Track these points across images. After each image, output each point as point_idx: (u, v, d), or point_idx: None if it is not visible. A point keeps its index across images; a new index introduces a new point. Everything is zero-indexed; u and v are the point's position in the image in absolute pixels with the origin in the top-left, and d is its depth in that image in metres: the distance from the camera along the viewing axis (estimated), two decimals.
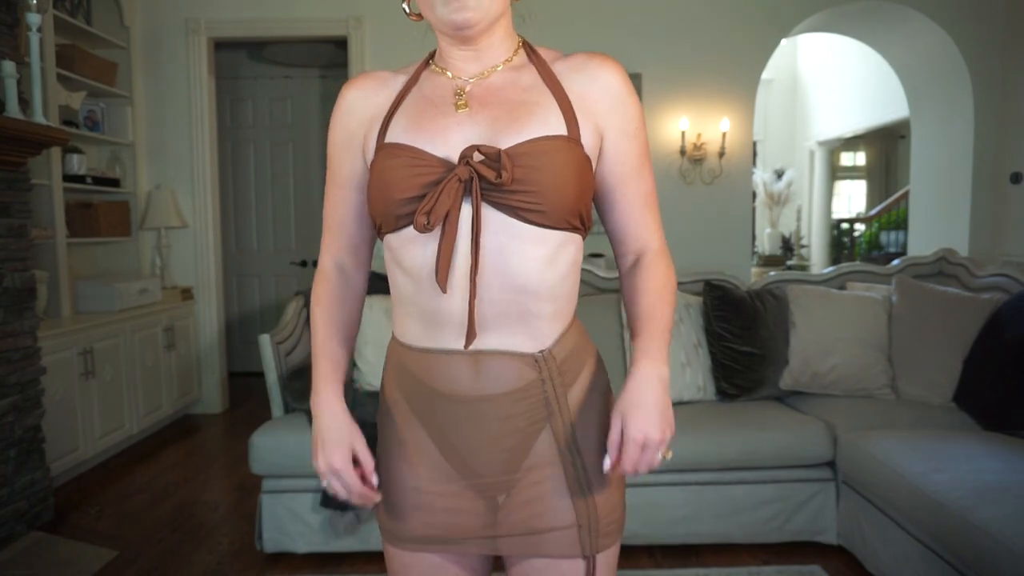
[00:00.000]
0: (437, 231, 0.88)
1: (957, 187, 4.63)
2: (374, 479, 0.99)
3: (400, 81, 1.00)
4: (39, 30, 2.65)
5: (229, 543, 2.74)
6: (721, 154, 4.51)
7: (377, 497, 1.00)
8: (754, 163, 7.49)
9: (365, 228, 1.05)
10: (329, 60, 5.44)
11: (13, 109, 2.64)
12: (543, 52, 1.00)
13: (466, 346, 0.91)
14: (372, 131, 0.98)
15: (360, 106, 1.00)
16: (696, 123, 4.52)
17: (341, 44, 4.81)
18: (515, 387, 0.94)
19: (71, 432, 3.34)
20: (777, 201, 8.21)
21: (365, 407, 2.61)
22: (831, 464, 2.57)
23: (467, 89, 0.95)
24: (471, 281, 0.88)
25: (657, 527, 2.55)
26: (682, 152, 4.53)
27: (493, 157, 0.86)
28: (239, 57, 5.54)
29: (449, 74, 0.98)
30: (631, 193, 1.00)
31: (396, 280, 0.97)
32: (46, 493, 2.94)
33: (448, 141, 0.91)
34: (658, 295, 0.98)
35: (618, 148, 0.97)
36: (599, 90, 0.95)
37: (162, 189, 4.44)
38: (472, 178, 0.87)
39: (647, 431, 0.89)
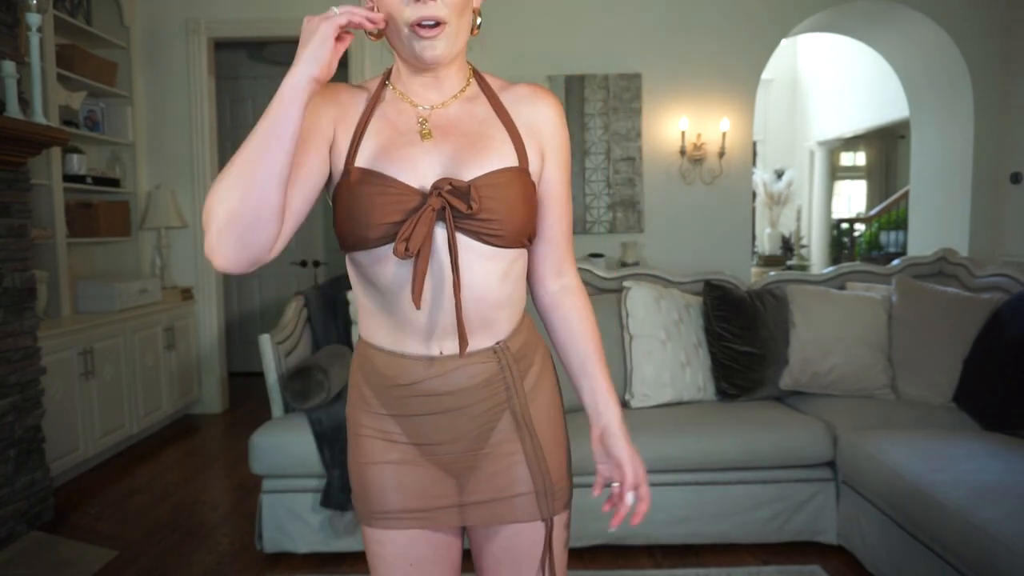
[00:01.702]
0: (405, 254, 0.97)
1: (957, 187, 4.63)
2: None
3: (361, 99, 1.06)
4: (39, 30, 2.65)
5: (229, 543, 2.74)
6: (721, 154, 4.51)
7: (381, 18, 0.96)
8: (754, 163, 7.50)
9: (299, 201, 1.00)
10: None
11: (13, 109, 2.64)
12: (490, 80, 1.10)
13: (461, 354, 1.02)
14: (341, 141, 1.03)
15: (335, 109, 1.04)
16: (696, 123, 4.52)
17: None
18: (480, 381, 1.06)
19: (71, 432, 3.34)
20: (777, 201, 8.21)
21: None
22: (831, 464, 2.57)
23: (429, 118, 1.04)
24: (456, 297, 0.98)
25: (657, 527, 2.55)
26: (682, 152, 4.53)
27: (463, 190, 0.96)
28: (239, 57, 5.54)
29: (412, 102, 1.05)
30: (558, 214, 1.12)
31: (364, 292, 1.06)
32: (46, 493, 2.94)
33: (416, 169, 1.00)
34: (595, 331, 1.15)
35: (551, 174, 1.09)
36: (542, 119, 1.08)
37: (162, 189, 4.44)
38: (444, 207, 0.96)
39: (644, 473, 1.14)
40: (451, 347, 1.04)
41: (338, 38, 0.93)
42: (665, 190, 4.58)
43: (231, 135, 5.60)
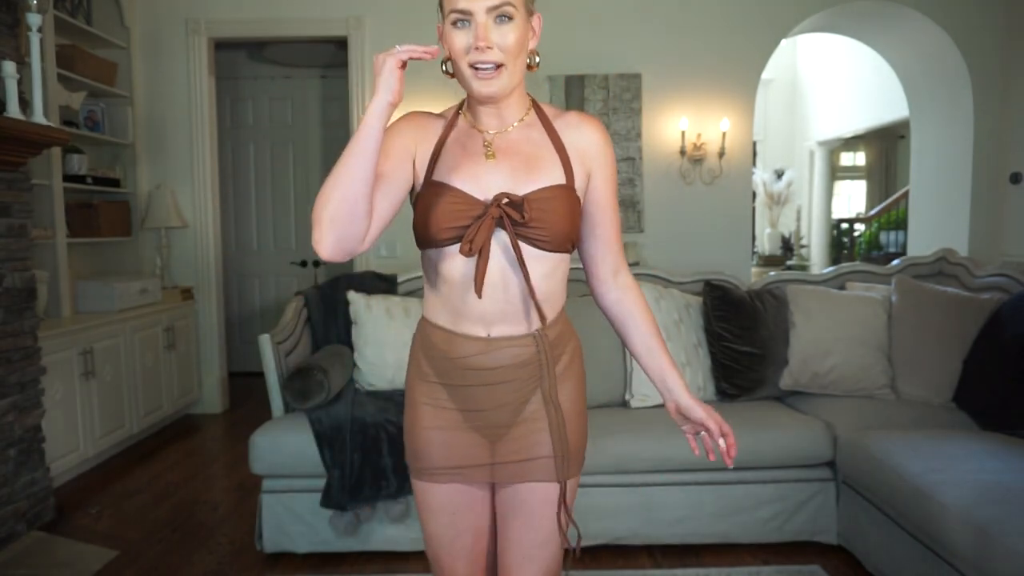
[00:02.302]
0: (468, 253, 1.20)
1: (957, 187, 4.63)
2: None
3: (439, 125, 1.30)
4: (39, 30, 2.65)
5: (229, 543, 2.74)
6: (721, 154, 4.51)
7: (436, 50, 1.16)
8: (754, 163, 7.49)
9: (381, 203, 1.21)
10: (329, 60, 5.45)
11: (13, 109, 2.64)
12: (546, 109, 1.31)
13: (543, 327, 1.26)
14: (422, 158, 1.27)
15: (413, 132, 1.28)
16: (696, 123, 4.52)
17: (341, 44, 4.81)
18: (520, 360, 1.27)
19: (71, 432, 3.34)
20: (777, 201, 8.20)
21: (365, 407, 2.61)
22: (831, 464, 2.57)
23: (493, 142, 1.26)
24: (528, 285, 1.22)
25: (657, 527, 2.56)
26: (682, 152, 4.53)
27: (518, 203, 1.19)
28: (239, 57, 5.54)
29: (479, 128, 1.28)
30: (608, 220, 1.32)
31: (432, 281, 1.30)
32: (46, 493, 2.94)
33: (480, 184, 1.23)
34: (654, 320, 1.35)
35: (598, 186, 1.30)
36: (588, 143, 1.29)
37: (162, 189, 4.44)
38: (502, 216, 1.19)
39: (722, 420, 1.30)
40: (499, 331, 1.26)
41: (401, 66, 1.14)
42: (665, 190, 4.58)
43: (231, 135, 5.61)
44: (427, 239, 1.23)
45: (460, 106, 1.32)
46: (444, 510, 1.34)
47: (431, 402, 1.31)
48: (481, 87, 1.19)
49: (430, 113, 1.32)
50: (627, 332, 1.35)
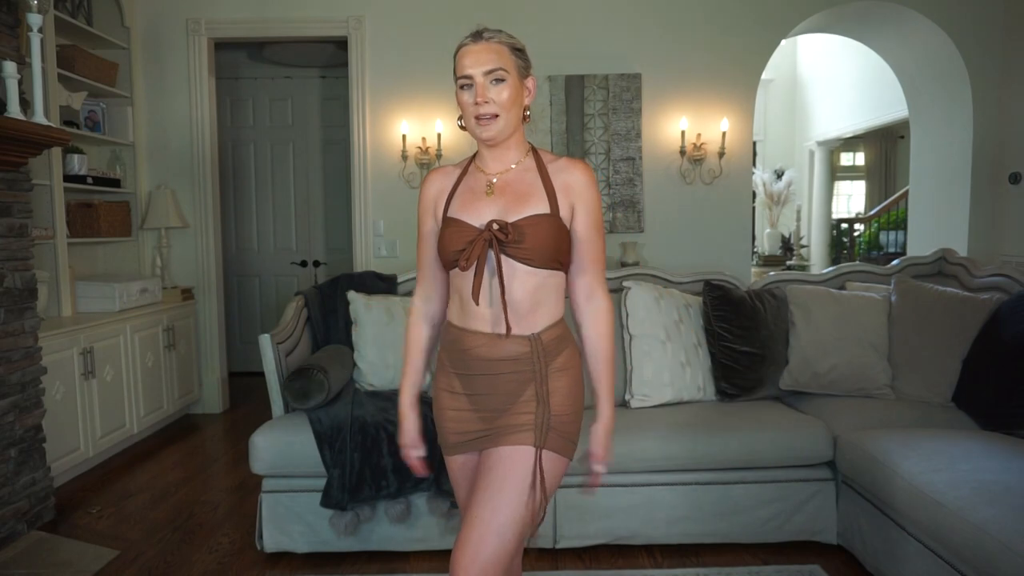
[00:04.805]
0: (472, 269, 1.47)
1: (956, 187, 4.63)
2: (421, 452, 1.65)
3: (456, 174, 1.62)
4: (40, 31, 2.65)
5: (229, 543, 2.74)
6: (721, 154, 4.51)
7: (421, 470, 1.66)
8: (754, 163, 7.49)
9: (438, 265, 1.63)
10: (329, 60, 5.45)
11: (14, 109, 2.64)
12: (543, 155, 1.58)
13: (506, 333, 1.49)
14: (440, 204, 1.60)
15: (435, 187, 1.63)
16: (696, 123, 4.52)
17: (341, 44, 4.81)
18: (515, 355, 1.51)
19: (72, 432, 3.34)
20: (777, 201, 8.20)
21: (365, 407, 2.61)
22: (831, 464, 2.57)
23: (494, 182, 1.55)
24: (502, 297, 1.48)
25: (657, 527, 2.56)
26: (682, 152, 4.53)
27: (504, 227, 1.46)
28: (239, 57, 5.54)
29: (484, 171, 1.57)
30: (585, 249, 1.55)
31: (453, 290, 1.58)
32: (47, 493, 2.94)
33: (480, 216, 1.51)
34: (606, 350, 1.57)
35: (579, 218, 1.54)
36: (573, 181, 1.54)
37: (162, 189, 4.44)
38: (492, 239, 1.46)
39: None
40: (500, 330, 1.50)
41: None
42: (665, 190, 4.58)
43: (231, 135, 5.61)
44: (443, 261, 1.55)
45: (473, 156, 1.63)
46: (461, 476, 1.62)
47: (447, 388, 1.58)
48: (481, 132, 1.50)
49: (447, 167, 1.65)
50: (583, 352, 1.59)
